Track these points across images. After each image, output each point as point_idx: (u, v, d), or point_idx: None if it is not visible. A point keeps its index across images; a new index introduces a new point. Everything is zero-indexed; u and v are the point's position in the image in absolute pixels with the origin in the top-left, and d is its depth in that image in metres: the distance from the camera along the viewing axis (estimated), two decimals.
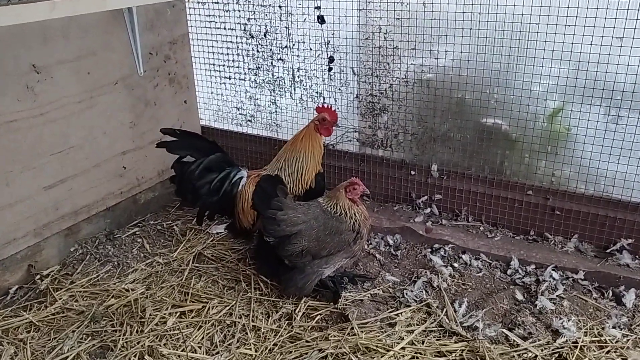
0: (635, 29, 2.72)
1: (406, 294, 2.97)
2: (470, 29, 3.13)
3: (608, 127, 2.99)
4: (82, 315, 2.94)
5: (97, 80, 3.43)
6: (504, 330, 2.70)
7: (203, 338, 2.76)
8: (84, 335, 2.81)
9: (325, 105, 3.25)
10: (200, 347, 2.70)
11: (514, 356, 2.53)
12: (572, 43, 2.89)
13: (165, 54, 3.89)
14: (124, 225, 3.79)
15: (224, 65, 4.13)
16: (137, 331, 2.81)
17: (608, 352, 2.54)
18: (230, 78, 4.16)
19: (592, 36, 2.83)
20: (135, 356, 2.64)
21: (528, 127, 3.18)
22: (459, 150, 3.48)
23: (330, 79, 3.75)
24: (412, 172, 3.64)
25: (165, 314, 2.92)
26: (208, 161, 3.17)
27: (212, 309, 2.95)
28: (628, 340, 2.60)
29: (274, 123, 4.10)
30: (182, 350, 2.67)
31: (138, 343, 2.72)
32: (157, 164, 3.98)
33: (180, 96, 4.07)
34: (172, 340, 2.75)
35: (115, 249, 3.52)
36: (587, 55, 2.88)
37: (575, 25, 2.86)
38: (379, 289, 3.05)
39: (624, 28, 2.74)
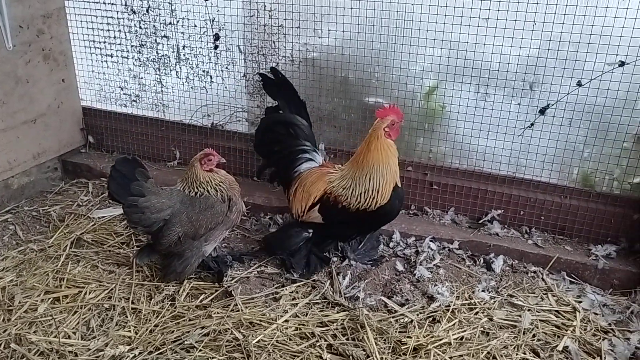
0: (498, 10, 2.90)
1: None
2: (352, 8, 3.19)
3: (478, 104, 3.18)
4: None
5: None
6: (383, 298, 2.81)
7: (78, 323, 2.64)
8: None
9: (387, 106, 2.83)
10: (75, 333, 2.58)
11: (391, 322, 2.64)
12: (444, 23, 3.03)
13: (38, 28, 3.63)
14: None
15: (104, 42, 3.92)
16: (3, 320, 2.62)
17: (477, 313, 2.72)
18: (112, 56, 3.96)
19: (462, 17, 2.99)
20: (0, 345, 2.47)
21: (407, 105, 3.30)
22: (344, 129, 3.55)
23: (217, 57, 3.68)
24: None
25: (36, 300, 2.75)
26: (297, 127, 3.07)
27: (90, 293, 2.82)
28: (495, 301, 2.80)
29: (160, 103, 3.96)
30: (54, 337, 2.53)
31: (4, 332, 2.55)
32: (32, 146, 3.73)
33: (57, 74, 3.83)
34: (43, 326, 2.60)
35: None
36: (458, 35, 3.04)
37: (446, 6, 3.00)
38: (265, 266, 3.06)
39: (489, 9, 2.92)
